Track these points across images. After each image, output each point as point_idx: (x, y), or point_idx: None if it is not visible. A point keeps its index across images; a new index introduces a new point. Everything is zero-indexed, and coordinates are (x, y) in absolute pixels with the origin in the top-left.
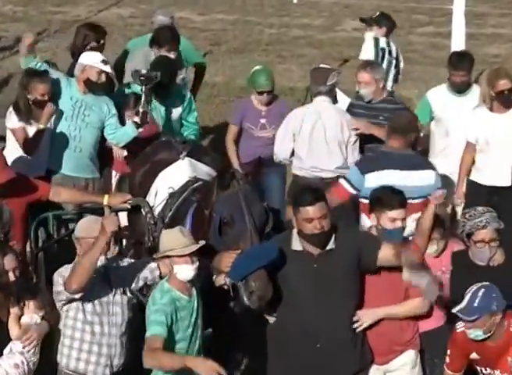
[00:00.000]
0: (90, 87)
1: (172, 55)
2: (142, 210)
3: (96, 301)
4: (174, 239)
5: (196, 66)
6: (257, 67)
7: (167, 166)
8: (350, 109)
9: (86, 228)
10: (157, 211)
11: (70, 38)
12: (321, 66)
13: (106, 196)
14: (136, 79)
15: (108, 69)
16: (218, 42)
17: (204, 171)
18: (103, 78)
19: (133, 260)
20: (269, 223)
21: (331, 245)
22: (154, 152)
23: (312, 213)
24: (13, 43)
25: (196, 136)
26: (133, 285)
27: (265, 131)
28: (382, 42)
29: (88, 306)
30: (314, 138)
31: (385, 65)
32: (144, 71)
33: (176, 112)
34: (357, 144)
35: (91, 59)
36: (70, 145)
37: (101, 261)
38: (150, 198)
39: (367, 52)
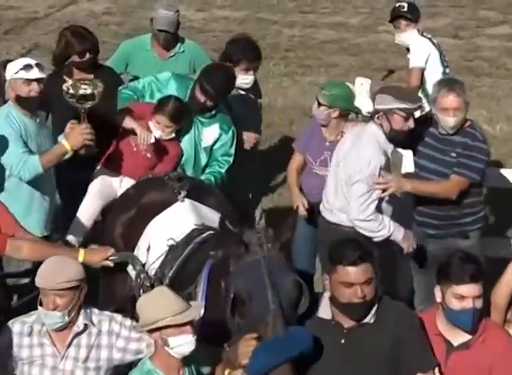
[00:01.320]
0: (28, 106)
1: (249, 76)
2: (130, 268)
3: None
4: (163, 304)
5: None
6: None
7: (160, 211)
8: (417, 137)
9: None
10: (152, 269)
11: (25, 41)
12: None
13: (82, 251)
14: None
15: (35, 74)
16: (222, 47)
17: (210, 217)
18: (36, 88)
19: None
20: (303, 302)
21: (368, 319)
22: (140, 193)
23: (354, 276)
24: None
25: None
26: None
27: (324, 169)
28: (434, 40)
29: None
30: (340, 172)
31: (441, 70)
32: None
33: (209, 137)
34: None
35: (11, 70)
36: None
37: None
38: (139, 253)
39: (419, 58)
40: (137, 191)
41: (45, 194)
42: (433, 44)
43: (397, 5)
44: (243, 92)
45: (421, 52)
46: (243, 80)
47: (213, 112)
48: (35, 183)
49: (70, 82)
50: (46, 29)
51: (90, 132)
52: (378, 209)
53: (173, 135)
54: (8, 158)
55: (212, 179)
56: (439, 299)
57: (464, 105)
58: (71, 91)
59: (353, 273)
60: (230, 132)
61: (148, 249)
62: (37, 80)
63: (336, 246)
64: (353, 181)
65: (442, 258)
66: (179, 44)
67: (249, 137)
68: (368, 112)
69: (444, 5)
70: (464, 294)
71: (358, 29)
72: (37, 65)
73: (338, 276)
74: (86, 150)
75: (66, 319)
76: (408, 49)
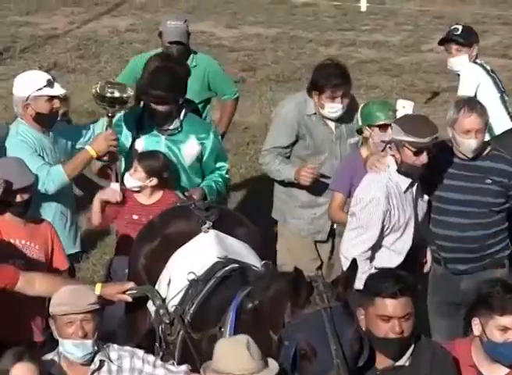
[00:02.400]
0: (47, 123)
1: (336, 105)
2: (150, 303)
3: None
4: (236, 359)
5: (223, 97)
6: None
7: (184, 242)
8: (434, 167)
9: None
10: (172, 305)
11: (43, 60)
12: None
13: (99, 285)
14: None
15: (59, 89)
16: (254, 67)
17: (237, 249)
18: (58, 105)
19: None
20: (363, 355)
21: (404, 361)
22: (165, 223)
23: (393, 310)
24: None
25: (221, 192)
26: None
27: None
28: (487, 67)
29: None
30: None
31: (500, 99)
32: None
33: (191, 153)
34: None
35: (30, 87)
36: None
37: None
38: (161, 287)
39: (468, 87)
40: (162, 220)
41: (68, 209)
42: (486, 70)
43: (452, 27)
44: (331, 123)
45: (471, 81)
46: (330, 109)
47: (177, 122)
48: (57, 198)
49: (99, 84)
50: (65, 47)
51: (115, 138)
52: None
53: (155, 182)
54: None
55: (213, 184)
56: (477, 332)
57: (485, 126)
58: (99, 93)
59: (392, 306)
60: (211, 135)
61: (169, 283)
62: (58, 97)
63: (374, 277)
64: (351, 212)
65: (477, 291)
66: (190, 58)
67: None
68: (383, 141)
69: (493, 23)
70: (508, 326)
71: (400, 48)
72: (54, 79)
73: (375, 308)
74: (109, 157)
75: (96, 348)
76: (458, 75)
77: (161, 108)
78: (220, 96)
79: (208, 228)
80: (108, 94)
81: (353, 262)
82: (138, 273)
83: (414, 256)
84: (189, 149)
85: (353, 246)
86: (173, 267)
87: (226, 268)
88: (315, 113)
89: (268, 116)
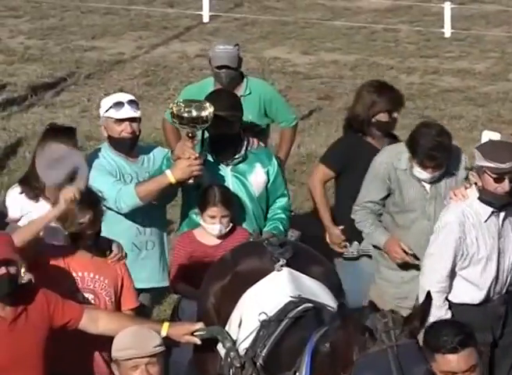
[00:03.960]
0: (121, 148)
1: (431, 175)
2: (220, 345)
3: None
4: None
5: (281, 124)
6: None
7: (256, 280)
8: None
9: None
10: (243, 347)
11: (109, 86)
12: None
13: (166, 325)
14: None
15: (126, 112)
16: (330, 95)
17: (311, 288)
18: (128, 129)
19: None
20: None
21: None
22: (236, 259)
23: (456, 365)
24: (24, 93)
25: (287, 230)
26: None
27: None
28: None
29: None
30: None
31: None
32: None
33: (259, 182)
34: None
35: (102, 108)
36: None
37: None
38: (231, 328)
39: None
40: (234, 256)
41: (144, 238)
42: None
43: None
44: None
45: None
46: (419, 174)
47: (241, 151)
48: (128, 227)
49: (176, 104)
50: (132, 73)
51: (199, 162)
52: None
53: (231, 225)
54: (102, 190)
55: (280, 226)
56: None
57: None
58: (176, 113)
59: (454, 361)
60: (273, 161)
61: (240, 324)
62: (130, 120)
63: (432, 331)
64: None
65: None
66: (244, 85)
67: None
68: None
69: None
70: None
71: (486, 76)
72: (130, 102)
73: (438, 365)
74: (194, 179)
75: None
76: None
77: (226, 130)
78: (277, 124)
79: (282, 266)
80: (186, 115)
81: (428, 295)
82: (208, 313)
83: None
84: (257, 178)
85: (427, 275)
86: (244, 307)
87: (299, 308)
88: (407, 169)
89: None
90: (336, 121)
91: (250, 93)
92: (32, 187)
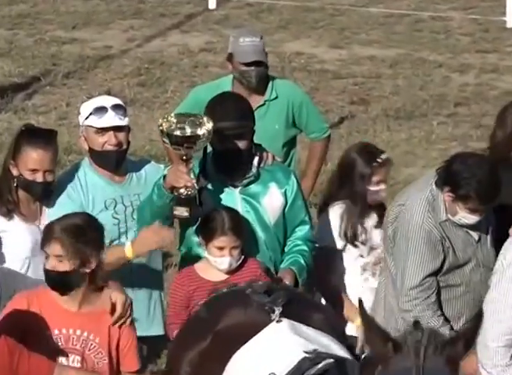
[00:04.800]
0: (104, 163)
1: (478, 218)
2: None
3: None
4: None
5: (311, 135)
6: None
7: (247, 338)
8: None
9: None
10: None
11: (93, 87)
12: None
13: None
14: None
15: (110, 120)
16: (366, 99)
17: (319, 340)
18: (112, 140)
19: None
20: None
21: None
22: (215, 315)
23: None
24: None
25: (310, 266)
26: None
27: None
28: None
29: None
30: None
31: None
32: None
33: (274, 207)
34: None
35: (82, 115)
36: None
37: None
38: None
39: None
40: (211, 312)
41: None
42: None
43: None
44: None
45: None
46: (464, 219)
47: (252, 169)
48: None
49: (165, 119)
50: (122, 71)
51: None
52: None
53: (242, 256)
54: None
55: (301, 260)
56: None
57: None
58: (165, 131)
59: None
60: (292, 179)
61: None
62: (115, 129)
63: None
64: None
65: None
66: (269, 88)
67: None
68: None
69: None
70: None
71: None
72: (115, 107)
73: None
74: (190, 212)
75: None
76: None
77: (235, 145)
78: (307, 134)
79: (279, 315)
80: (178, 133)
81: (479, 313)
82: None
83: None
84: (272, 202)
85: (489, 326)
86: (239, 370)
87: (319, 365)
88: (447, 219)
89: None
90: (373, 130)
91: (276, 97)
92: (4, 200)
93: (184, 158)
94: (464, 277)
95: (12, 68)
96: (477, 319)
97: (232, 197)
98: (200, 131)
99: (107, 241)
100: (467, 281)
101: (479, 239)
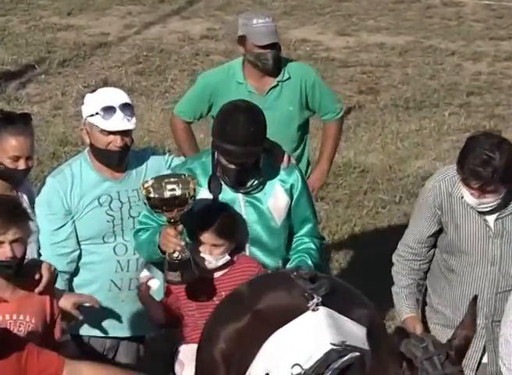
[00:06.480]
0: (107, 161)
1: (487, 200)
2: None
3: None
4: None
5: (324, 116)
6: None
7: (284, 322)
8: None
9: None
10: None
11: (89, 76)
12: None
13: None
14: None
15: (117, 123)
16: (375, 88)
17: (355, 334)
18: (118, 142)
19: None
20: None
21: None
22: (256, 295)
23: None
24: None
25: (315, 258)
26: None
27: None
28: None
29: None
30: None
31: None
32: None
33: (279, 208)
34: None
35: (87, 108)
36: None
37: None
38: None
39: None
40: (253, 290)
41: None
42: None
43: None
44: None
45: None
46: (472, 202)
47: (257, 176)
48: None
49: (151, 181)
50: (119, 59)
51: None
52: None
53: (227, 258)
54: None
55: (308, 260)
56: None
57: None
58: (152, 195)
59: None
60: (295, 173)
61: None
62: (122, 132)
63: None
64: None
65: None
66: (281, 69)
67: None
68: None
69: None
70: None
71: None
72: (124, 107)
73: None
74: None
75: None
76: None
77: (241, 164)
78: (320, 116)
79: (318, 304)
80: (168, 193)
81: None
82: (213, 363)
83: None
84: (277, 203)
85: (508, 351)
86: (270, 357)
87: (344, 358)
88: (464, 197)
89: (394, 156)
90: (382, 121)
91: (289, 77)
92: None
93: (172, 220)
94: (462, 266)
95: (6, 56)
96: (470, 313)
97: (234, 199)
98: (180, 192)
99: (99, 239)
100: (465, 272)
101: (499, 234)
